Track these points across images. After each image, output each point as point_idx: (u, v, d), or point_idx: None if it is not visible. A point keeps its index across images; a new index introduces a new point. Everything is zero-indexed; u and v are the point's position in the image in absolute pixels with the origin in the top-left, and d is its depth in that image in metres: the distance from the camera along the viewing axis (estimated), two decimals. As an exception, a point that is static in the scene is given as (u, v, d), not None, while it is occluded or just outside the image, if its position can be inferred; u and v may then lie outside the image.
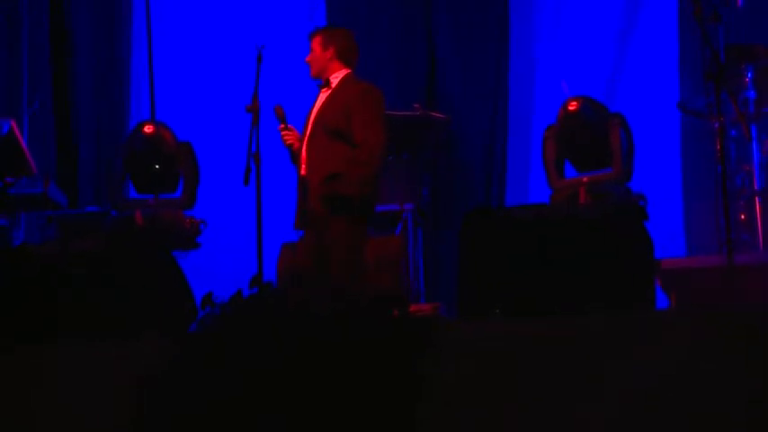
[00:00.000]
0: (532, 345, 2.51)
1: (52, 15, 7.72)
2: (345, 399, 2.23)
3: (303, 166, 5.13)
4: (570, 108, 6.28)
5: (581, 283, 3.53)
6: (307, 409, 2.22)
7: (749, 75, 6.03)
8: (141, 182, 6.68)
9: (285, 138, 5.20)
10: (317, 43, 5.24)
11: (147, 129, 6.69)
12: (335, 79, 5.19)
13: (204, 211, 6.67)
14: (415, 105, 6.75)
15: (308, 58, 5.26)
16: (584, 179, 6.24)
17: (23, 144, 6.12)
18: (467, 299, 3.68)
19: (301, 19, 7.70)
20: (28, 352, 2.92)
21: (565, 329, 2.54)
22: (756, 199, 5.89)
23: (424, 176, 6.89)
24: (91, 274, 3.54)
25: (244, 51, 6.20)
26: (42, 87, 7.66)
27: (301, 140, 5.17)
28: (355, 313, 2.38)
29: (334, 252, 4.97)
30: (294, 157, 5.23)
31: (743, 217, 5.93)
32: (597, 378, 2.41)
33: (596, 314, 2.89)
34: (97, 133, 7.62)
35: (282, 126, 5.21)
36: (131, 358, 2.58)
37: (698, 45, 5.71)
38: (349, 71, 5.22)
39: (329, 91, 5.18)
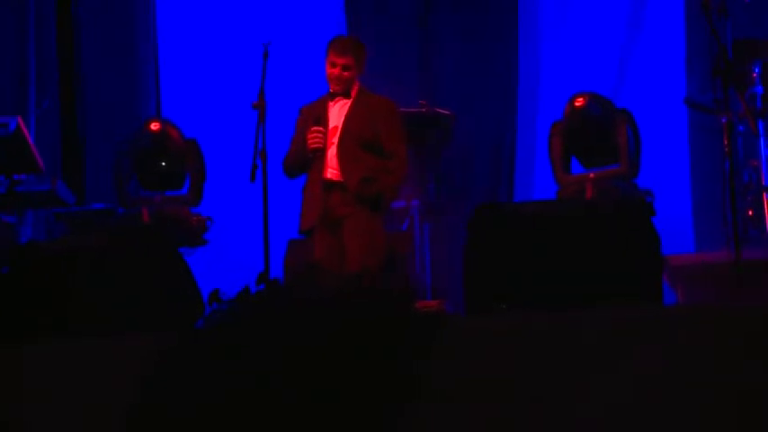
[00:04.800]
0: (539, 340, 2.50)
1: (59, 13, 7.73)
2: (350, 395, 2.23)
3: (329, 169, 5.19)
4: (577, 104, 6.28)
5: (588, 278, 3.53)
6: (312, 406, 2.22)
7: (757, 70, 6.02)
8: (147, 179, 6.68)
9: (318, 139, 5.18)
10: (352, 61, 5.26)
11: (154, 126, 6.69)
12: (353, 91, 5.31)
13: (211, 208, 6.67)
14: (421, 102, 6.75)
15: (345, 75, 5.24)
16: (591, 175, 6.24)
17: (31, 141, 6.12)
18: (473, 295, 3.68)
19: (308, 15, 7.70)
20: (32, 349, 2.92)
21: (571, 325, 2.54)
22: (764, 194, 5.89)
23: (431, 173, 6.89)
24: (97, 270, 3.55)
25: (250, 48, 6.21)
26: (50, 85, 7.67)
27: (325, 145, 5.20)
28: (362, 309, 2.38)
29: (357, 243, 5.14)
30: (310, 158, 5.23)
31: (750, 213, 5.92)
32: (603, 373, 2.41)
33: (603, 310, 2.89)
34: (104, 131, 7.63)
35: (321, 129, 5.20)
36: (137, 355, 2.59)
37: (705, 41, 5.70)
38: (358, 82, 5.37)
39: (349, 101, 5.25)
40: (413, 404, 2.31)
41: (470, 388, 2.47)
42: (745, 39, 6.20)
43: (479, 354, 2.52)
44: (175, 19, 7.90)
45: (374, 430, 2.25)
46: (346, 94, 5.29)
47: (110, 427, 2.39)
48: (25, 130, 6.02)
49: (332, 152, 5.22)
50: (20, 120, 5.97)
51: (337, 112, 5.28)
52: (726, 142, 5.04)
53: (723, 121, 5.07)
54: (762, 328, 2.42)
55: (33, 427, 2.60)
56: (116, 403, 2.32)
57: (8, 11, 7.68)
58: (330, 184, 5.20)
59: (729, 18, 5.88)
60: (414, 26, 7.61)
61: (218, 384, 2.24)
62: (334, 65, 5.26)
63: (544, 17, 7.55)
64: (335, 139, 5.23)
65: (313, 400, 2.23)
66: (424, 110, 6.67)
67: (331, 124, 5.26)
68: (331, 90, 5.31)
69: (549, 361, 2.45)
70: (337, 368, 2.25)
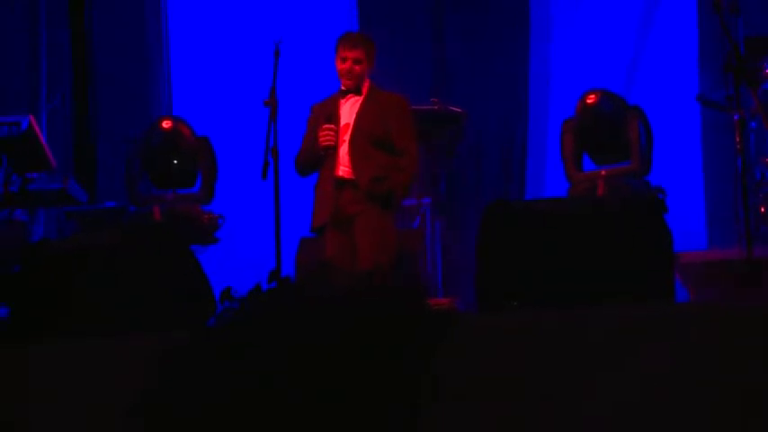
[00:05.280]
0: (550, 338, 2.50)
1: (71, 11, 7.75)
2: (360, 393, 2.23)
3: (341, 167, 5.19)
4: (588, 101, 6.27)
5: (599, 276, 3.52)
6: (322, 403, 2.22)
7: (769, 66, 6.00)
8: (159, 177, 6.70)
9: (329, 137, 5.16)
10: (363, 54, 5.26)
11: (165, 124, 6.70)
12: (364, 88, 5.29)
13: (222, 205, 6.68)
14: (433, 100, 6.74)
15: (356, 68, 5.24)
16: (603, 172, 6.23)
17: (43, 140, 6.14)
18: (485, 292, 3.67)
19: (320, 13, 7.70)
20: (43, 347, 2.93)
21: (582, 323, 2.54)
22: (775, 192, 5.86)
23: (442, 171, 6.89)
24: (109, 269, 3.55)
25: (261, 46, 6.21)
26: (62, 84, 7.69)
27: (337, 143, 5.20)
28: (373, 307, 2.38)
29: (368, 241, 5.13)
30: (321, 156, 5.22)
31: (763, 210, 5.90)
32: (613, 371, 2.40)
33: (613, 308, 2.88)
34: (116, 129, 7.64)
35: (332, 126, 5.19)
36: (150, 353, 2.59)
37: (717, 37, 5.67)
38: (369, 80, 5.35)
39: (360, 99, 5.25)
40: (423, 402, 2.31)
41: (481, 386, 2.46)
42: (758, 35, 6.17)
43: (490, 352, 2.52)
44: (187, 17, 7.91)
45: (385, 429, 2.25)
46: (357, 91, 5.29)
47: (117, 427, 2.40)
48: (37, 129, 6.04)
49: (343, 150, 5.22)
50: (32, 118, 5.99)
51: (348, 110, 5.28)
52: (738, 139, 5.02)
53: (735, 118, 5.05)
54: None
55: (44, 427, 2.61)
56: (124, 403, 2.33)
57: (20, 11, 7.70)
58: (342, 182, 5.20)
59: (742, 15, 5.86)
60: (425, 24, 7.60)
61: (228, 383, 2.24)
62: (344, 59, 5.26)
63: (556, 15, 7.53)
64: (347, 137, 5.23)
65: (324, 400, 2.23)
66: (436, 108, 6.66)
67: (342, 122, 5.26)
68: (342, 85, 5.31)
69: (559, 359, 2.45)
70: (349, 367, 2.25)
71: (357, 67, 5.25)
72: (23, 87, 7.62)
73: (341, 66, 5.27)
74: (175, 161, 6.62)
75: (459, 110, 6.82)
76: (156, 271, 3.62)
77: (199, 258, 3.89)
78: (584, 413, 2.38)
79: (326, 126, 5.17)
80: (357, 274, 4.77)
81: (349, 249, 5.17)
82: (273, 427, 2.22)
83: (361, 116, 5.25)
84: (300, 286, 2.49)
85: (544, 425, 2.39)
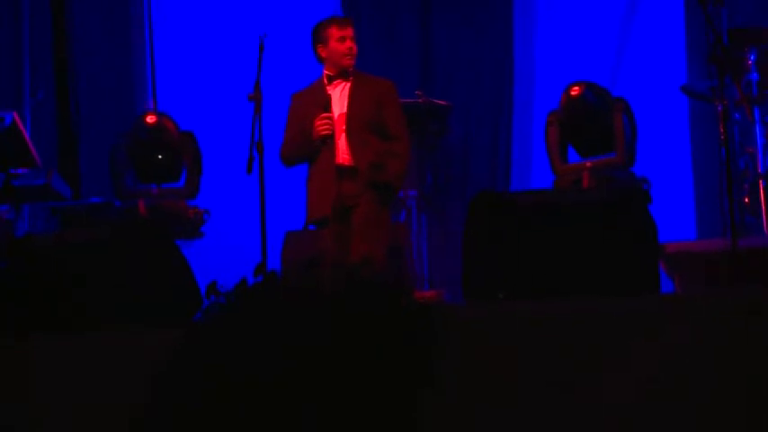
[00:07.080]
0: (537, 329, 2.51)
1: (54, 5, 7.72)
2: (348, 388, 2.23)
3: (341, 155, 5.18)
4: (573, 93, 6.27)
5: (585, 267, 3.53)
6: (309, 401, 2.22)
7: (752, 57, 6.02)
8: (144, 172, 6.68)
9: (327, 126, 5.16)
10: (354, 32, 5.30)
11: (150, 119, 6.68)
12: (351, 72, 5.31)
13: (207, 200, 6.66)
14: (418, 92, 6.74)
15: (354, 47, 5.27)
16: (588, 164, 6.24)
17: (26, 135, 6.12)
18: (471, 284, 3.68)
19: (304, 6, 7.69)
20: (31, 344, 2.92)
21: (568, 314, 2.54)
22: (760, 182, 5.88)
23: (428, 163, 6.89)
24: (94, 264, 3.54)
25: (246, 40, 6.20)
26: (45, 78, 7.66)
27: (333, 130, 5.19)
28: (360, 302, 2.38)
29: (364, 234, 5.15)
30: (317, 146, 5.21)
31: (747, 200, 5.92)
32: (600, 362, 2.41)
33: (599, 298, 2.89)
34: (100, 124, 7.62)
35: (330, 115, 5.18)
36: (135, 349, 2.59)
37: (704, 28, 5.69)
38: None
39: (348, 84, 5.23)
40: (414, 397, 2.32)
41: (468, 377, 2.47)
42: (741, 26, 6.19)
43: (478, 342, 2.53)
44: (171, 11, 7.89)
45: (378, 426, 2.26)
46: (345, 76, 5.28)
47: (107, 425, 2.39)
48: (21, 125, 6.02)
49: (342, 139, 5.22)
50: (15, 115, 5.97)
51: (339, 98, 5.28)
52: (721, 130, 5.04)
53: (719, 108, 5.07)
54: (758, 315, 2.42)
55: (30, 423, 2.60)
56: (112, 400, 2.32)
57: (3, 5, 7.67)
58: (342, 170, 5.20)
59: (726, 5, 5.88)
60: (410, 17, 7.60)
61: (216, 381, 2.24)
62: (343, 39, 5.24)
63: (540, 6, 7.54)
64: (343, 125, 5.23)
65: (313, 399, 2.23)
66: (420, 101, 6.66)
67: (336, 112, 5.26)
68: (346, 66, 5.27)
69: (544, 349, 2.46)
70: (338, 364, 2.26)
71: (355, 46, 5.27)
72: (7, 83, 7.59)
73: (341, 46, 5.24)
74: (160, 156, 6.61)
75: (444, 102, 6.82)
76: (141, 266, 3.61)
77: (184, 253, 3.89)
78: (570, 401, 2.39)
79: (324, 115, 5.17)
80: (348, 267, 4.76)
81: (346, 239, 5.16)
82: (261, 426, 2.21)
83: (353, 103, 5.25)
84: (287, 282, 2.49)
85: (531, 414, 2.40)
